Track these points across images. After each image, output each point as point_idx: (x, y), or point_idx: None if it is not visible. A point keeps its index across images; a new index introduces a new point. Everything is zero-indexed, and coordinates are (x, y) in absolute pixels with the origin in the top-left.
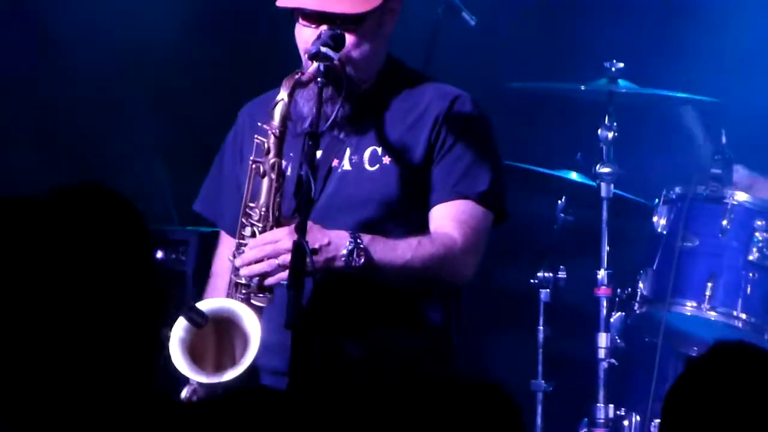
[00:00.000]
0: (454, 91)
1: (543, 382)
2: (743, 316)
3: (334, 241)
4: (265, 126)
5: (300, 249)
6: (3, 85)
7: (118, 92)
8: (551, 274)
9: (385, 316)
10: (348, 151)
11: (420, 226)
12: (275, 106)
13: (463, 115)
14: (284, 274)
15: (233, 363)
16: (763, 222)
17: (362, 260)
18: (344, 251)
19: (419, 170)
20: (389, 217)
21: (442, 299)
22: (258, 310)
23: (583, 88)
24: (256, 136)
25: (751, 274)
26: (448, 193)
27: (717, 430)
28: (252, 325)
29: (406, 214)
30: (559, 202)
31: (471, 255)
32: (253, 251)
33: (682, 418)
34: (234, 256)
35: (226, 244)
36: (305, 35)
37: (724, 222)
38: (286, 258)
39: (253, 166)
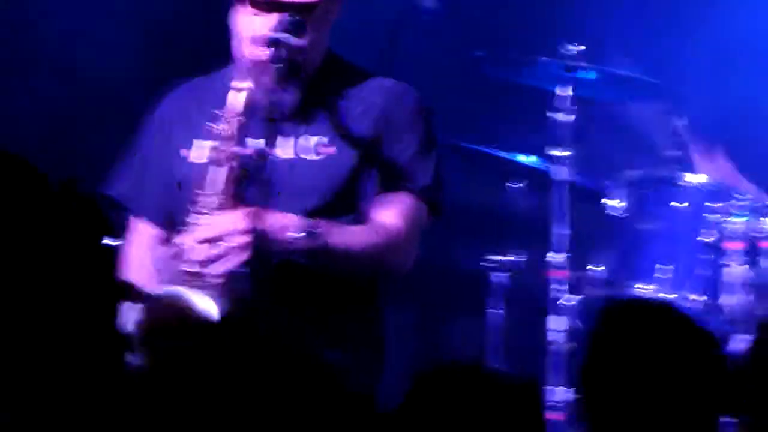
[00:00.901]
0: (398, 85)
1: (498, 366)
2: (699, 298)
3: (289, 224)
4: (225, 114)
5: (260, 236)
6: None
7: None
8: (506, 258)
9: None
10: (291, 140)
11: (361, 216)
12: (238, 94)
13: (407, 109)
14: (237, 258)
15: None
16: (719, 204)
17: (320, 240)
18: (302, 232)
19: (363, 161)
20: (332, 207)
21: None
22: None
23: (544, 58)
24: (210, 124)
25: (706, 256)
26: (391, 185)
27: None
28: (209, 314)
29: (349, 204)
30: (513, 185)
31: (411, 245)
32: (206, 230)
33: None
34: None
35: (142, 231)
36: (255, 23)
37: (680, 204)
38: (240, 240)
39: (211, 153)
